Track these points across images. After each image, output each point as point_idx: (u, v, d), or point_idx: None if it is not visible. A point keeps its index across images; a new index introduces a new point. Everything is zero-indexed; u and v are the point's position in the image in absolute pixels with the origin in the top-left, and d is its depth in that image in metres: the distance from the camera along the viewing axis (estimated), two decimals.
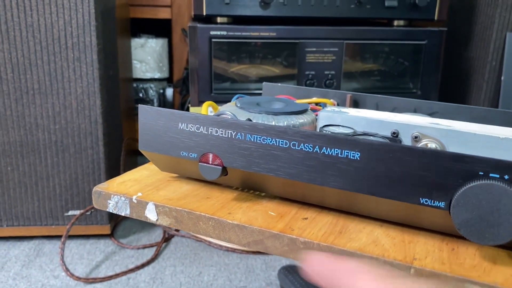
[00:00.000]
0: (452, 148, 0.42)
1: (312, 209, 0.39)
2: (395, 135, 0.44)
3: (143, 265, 1.02)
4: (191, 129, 0.38)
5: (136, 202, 0.40)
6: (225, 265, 1.04)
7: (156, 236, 1.16)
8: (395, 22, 1.13)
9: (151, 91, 1.71)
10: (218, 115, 0.42)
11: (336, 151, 0.34)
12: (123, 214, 0.41)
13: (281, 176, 0.36)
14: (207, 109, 0.48)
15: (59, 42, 0.98)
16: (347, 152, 0.33)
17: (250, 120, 0.43)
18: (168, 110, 0.39)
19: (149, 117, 0.39)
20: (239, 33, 1.03)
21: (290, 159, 0.35)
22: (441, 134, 0.43)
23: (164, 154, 0.40)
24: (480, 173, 0.30)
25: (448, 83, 1.34)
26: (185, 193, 0.41)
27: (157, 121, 0.39)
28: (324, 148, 0.34)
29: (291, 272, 0.94)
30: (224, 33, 1.02)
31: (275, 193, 0.41)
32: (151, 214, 0.40)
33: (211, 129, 0.37)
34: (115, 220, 1.18)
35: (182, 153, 0.39)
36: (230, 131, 0.37)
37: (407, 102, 0.58)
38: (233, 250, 1.09)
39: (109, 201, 0.41)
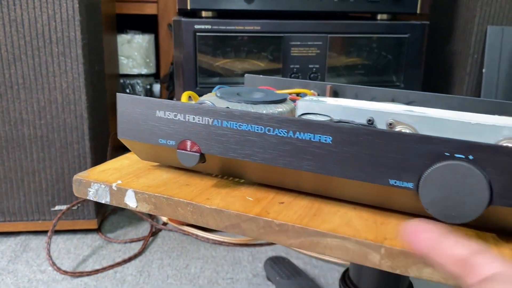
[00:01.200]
0: (426, 133, 0.43)
1: (289, 194, 0.40)
2: (371, 122, 0.45)
3: (130, 259, 1.03)
4: (169, 116, 0.39)
5: (115, 189, 0.41)
6: (212, 257, 1.04)
7: (144, 230, 1.16)
8: (379, 16, 1.14)
9: (138, 86, 1.71)
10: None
11: (309, 135, 0.35)
12: (103, 202, 0.41)
13: (257, 161, 0.37)
14: (187, 98, 0.49)
15: (43, 37, 0.98)
16: (319, 136, 0.34)
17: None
18: (145, 98, 0.39)
19: (127, 105, 0.40)
20: (223, 27, 1.03)
21: (266, 144, 0.36)
22: (415, 121, 0.44)
23: (143, 142, 0.41)
24: (446, 154, 0.31)
25: (432, 76, 1.35)
26: (164, 181, 0.42)
27: (135, 109, 0.40)
28: (297, 132, 0.35)
29: (276, 263, 0.95)
30: (209, 27, 1.02)
31: (253, 179, 0.42)
32: (130, 201, 0.40)
33: (188, 116, 0.38)
34: (102, 214, 1.18)
35: (161, 141, 0.40)
36: (207, 118, 0.38)
37: (385, 92, 0.59)
38: (220, 243, 1.09)
39: (89, 189, 0.42)
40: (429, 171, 0.31)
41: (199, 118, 0.38)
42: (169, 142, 0.39)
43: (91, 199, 0.42)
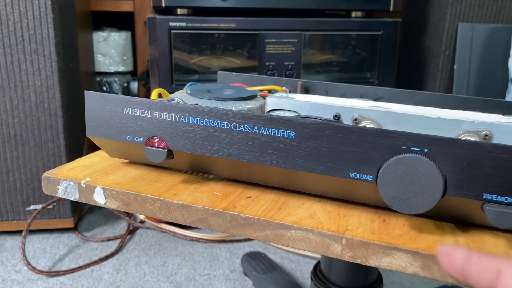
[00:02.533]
0: (389, 128, 0.44)
1: (257, 189, 0.41)
2: (337, 118, 0.46)
3: (107, 257, 1.03)
4: (136, 113, 0.39)
5: (84, 186, 0.41)
6: (189, 254, 1.05)
7: (121, 228, 1.16)
8: (353, 14, 1.16)
9: (115, 84, 1.70)
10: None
11: (273, 130, 0.35)
12: (72, 199, 0.42)
13: (224, 157, 0.38)
14: (157, 95, 0.49)
15: (15, 35, 0.97)
16: (283, 132, 0.35)
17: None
18: (113, 95, 0.39)
19: (95, 102, 0.40)
20: (198, 24, 1.03)
21: (232, 140, 0.37)
22: (379, 116, 0.45)
23: (111, 139, 0.41)
24: (402, 147, 0.32)
25: (406, 72, 1.38)
26: (133, 177, 0.42)
27: (103, 107, 0.40)
28: (262, 128, 0.36)
29: (253, 259, 0.96)
30: (184, 24, 1.02)
31: (221, 174, 0.42)
32: (99, 198, 0.40)
33: (155, 113, 0.39)
34: (78, 213, 1.17)
35: (128, 138, 0.40)
36: (174, 115, 0.38)
37: (354, 88, 0.60)
38: (198, 240, 1.10)
39: (58, 186, 0.42)
40: (386, 164, 0.32)
41: (166, 114, 0.38)
42: (136, 139, 0.40)
43: (60, 196, 0.42)
